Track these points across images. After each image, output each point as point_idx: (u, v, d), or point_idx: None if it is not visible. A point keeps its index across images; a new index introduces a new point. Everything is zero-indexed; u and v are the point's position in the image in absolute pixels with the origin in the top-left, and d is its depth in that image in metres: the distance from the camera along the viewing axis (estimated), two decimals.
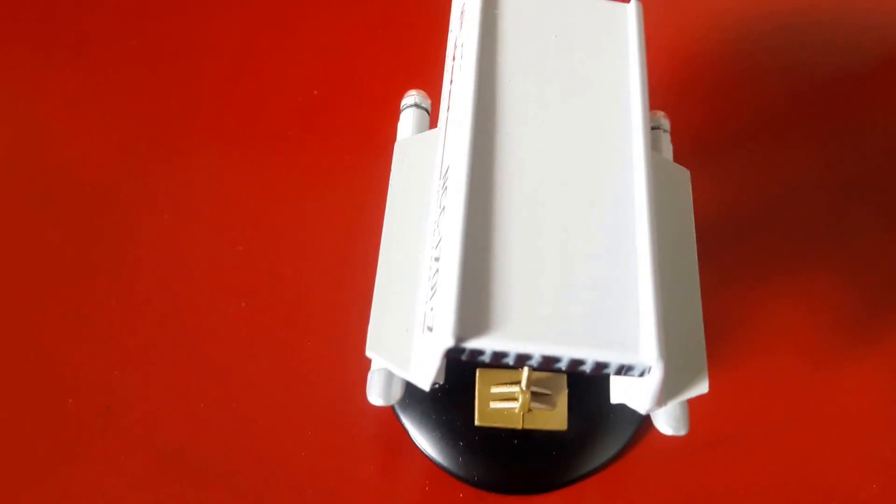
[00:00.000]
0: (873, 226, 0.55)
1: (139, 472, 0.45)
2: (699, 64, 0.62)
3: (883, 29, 0.65)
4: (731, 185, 0.56)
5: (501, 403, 0.44)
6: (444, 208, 0.32)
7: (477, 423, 0.44)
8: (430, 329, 0.29)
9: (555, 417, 0.44)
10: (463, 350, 0.28)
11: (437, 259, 0.31)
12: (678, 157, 0.41)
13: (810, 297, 0.52)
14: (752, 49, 0.63)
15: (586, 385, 0.44)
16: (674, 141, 0.42)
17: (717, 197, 0.55)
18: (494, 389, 0.44)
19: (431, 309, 0.30)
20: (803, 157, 0.58)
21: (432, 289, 0.30)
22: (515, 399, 0.43)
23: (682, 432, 0.34)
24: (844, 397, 0.49)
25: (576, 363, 0.29)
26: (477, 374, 0.45)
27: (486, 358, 0.29)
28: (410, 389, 0.34)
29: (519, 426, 0.44)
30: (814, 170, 0.57)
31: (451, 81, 0.37)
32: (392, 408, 0.46)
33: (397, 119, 0.42)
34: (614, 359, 0.28)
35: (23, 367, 0.47)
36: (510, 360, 0.29)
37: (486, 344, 0.28)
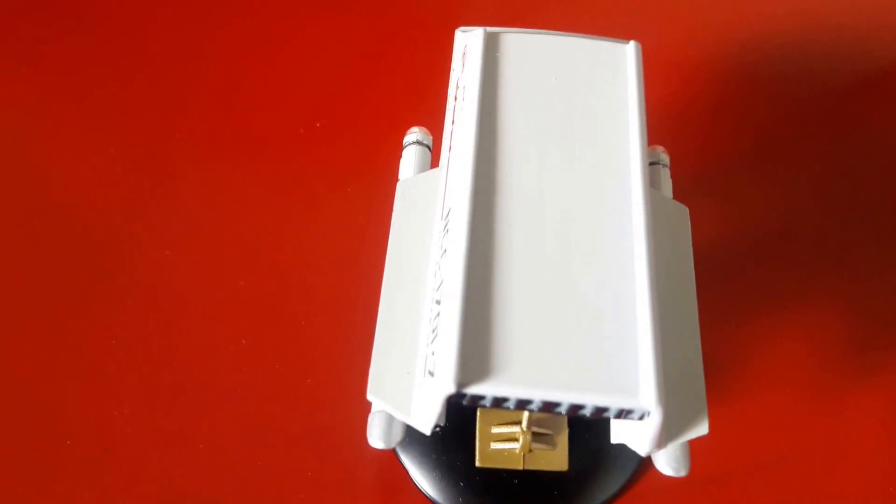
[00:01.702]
0: (875, 255, 0.55)
1: None
2: (697, 91, 0.62)
3: (882, 51, 0.65)
4: (729, 214, 0.56)
5: (502, 444, 0.44)
6: (445, 251, 0.32)
7: (478, 464, 0.44)
8: (431, 374, 0.29)
9: (556, 458, 0.44)
10: (464, 395, 0.28)
11: (438, 302, 0.31)
12: (677, 187, 0.41)
13: (811, 328, 0.52)
14: (751, 75, 0.63)
15: (587, 423, 0.44)
16: (673, 170, 0.42)
17: (716, 227, 0.55)
18: (495, 429, 0.44)
19: (433, 353, 0.30)
20: (804, 185, 0.58)
21: (433, 332, 0.30)
22: (516, 439, 0.43)
23: (682, 473, 0.34)
24: (847, 431, 0.49)
25: (575, 408, 0.29)
26: (478, 414, 0.45)
27: (486, 403, 0.29)
28: (411, 429, 0.34)
29: (520, 467, 0.44)
30: (815, 198, 0.57)
31: (453, 122, 0.37)
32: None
33: (400, 152, 0.42)
34: (614, 403, 0.28)
35: (21, 408, 0.47)
36: (510, 405, 0.29)
37: (486, 390, 0.28)
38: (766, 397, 0.50)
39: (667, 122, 0.59)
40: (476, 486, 0.45)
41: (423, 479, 0.45)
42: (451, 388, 0.28)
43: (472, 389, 0.28)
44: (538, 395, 0.28)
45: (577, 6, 0.66)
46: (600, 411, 0.29)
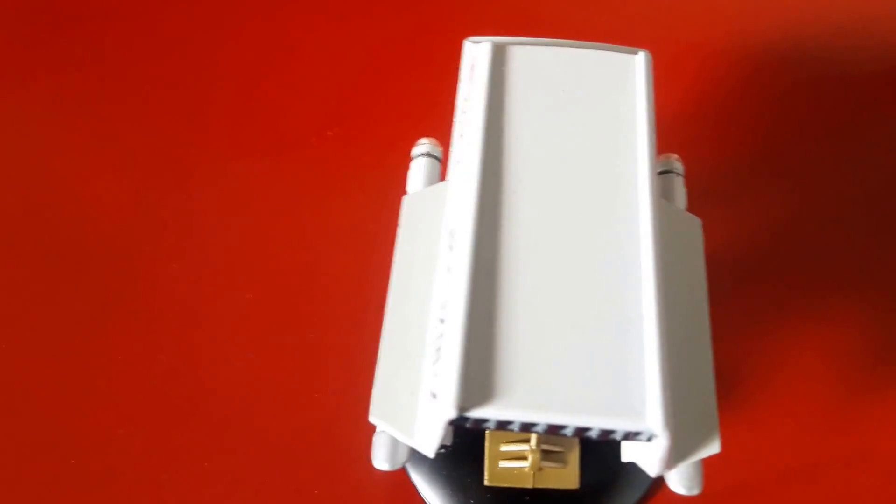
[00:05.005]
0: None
1: None
2: (711, 95, 0.61)
3: None
4: (746, 221, 0.55)
5: (511, 462, 0.43)
6: (449, 269, 0.31)
7: (486, 482, 0.43)
8: (434, 396, 0.29)
9: (566, 476, 0.43)
10: (466, 419, 0.28)
11: (441, 321, 0.30)
12: (692, 195, 0.40)
13: (829, 340, 0.51)
14: (768, 75, 0.62)
15: (598, 441, 0.44)
16: (688, 178, 0.41)
17: (733, 234, 0.54)
18: (504, 448, 0.43)
19: (435, 374, 0.29)
20: (824, 192, 0.57)
21: (437, 352, 0.30)
22: (525, 458, 0.42)
23: (695, 492, 0.34)
24: (866, 444, 0.48)
25: (581, 430, 0.28)
26: (486, 432, 0.44)
27: (490, 426, 0.28)
28: None
29: (530, 485, 0.43)
30: (836, 206, 0.56)
31: (461, 135, 0.36)
32: None
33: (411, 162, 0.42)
34: (620, 426, 0.28)
35: (24, 425, 0.47)
36: (515, 428, 0.28)
37: (489, 413, 0.27)
38: (783, 410, 0.49)
39: (680, 129, 0.58)
40: (486, 503, 0.44)
41: (432, 495, 0.45)
42: (452, 413, 0.27)
43: (475, 413, 0.27)
44: (542, 419, 0.28)
45: (589, 8, 0.65)
46: (607, 433, 0.28)
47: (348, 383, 0.48)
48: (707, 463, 0.34)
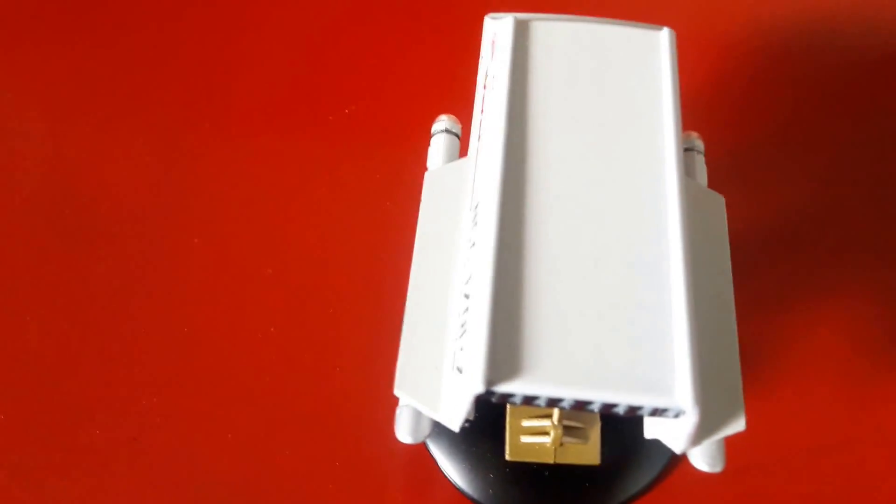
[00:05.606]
0: None
1: None
2: (729, 73, 0.61)
3: None
4: (763, 200, 0.55)
5: (533, 438, 0.43)
6: (474, 243, 0.31)
7: (508, 457, 0.43)
8: (460, 370, 0.29)
9: (587, 452, 0.43)
10: (493, 394, 0.28)
11: (466, 296, 0.30)
12: (712, 175, 0.40)
13: (848, 316, 0.51)
14: (786, 55, 0.62)
15: (620, 417, 0.44)
16: (708, 157, 0.41)
17: (754, 214, 0.54)
18: (526, 423, 0.43)
19: (461, 349, 0.29)
20: (841, 169, 0.56)
21: (462, 326, 0.30)
22: (547, 433, 0.42)
23: (717, 469, 0.34)
24: (886, 420, 0.48)
25: (608, 406, 0.28)
26: (508, 407, 0.44)
27: (516, 400, 0.28)
28: None
29: (551, 461, 0.43)
30: (852, 183, 0.56)
31: (482, 111, 0.36)
32: None
33: (429, 140, 0.41)
34: (648, 402, 0.28)
35: (50, 398, 0.47)
36: (541, 403, 0.28)
37: (516, 388, 0.27)
38: (805, 384, 0.49)
39: (698, 106, 0.58)
40: (506, 478, 0.44)
41: (452, 469, 0.45)
42: (480, 387, 0.27)
43: (502, 388, 0.27)
44: (569, 394, 0.28)
45: None
46: (634, 410, 0.28)
47: (368, 358, 0.48)
48: (726, 440, 0.34)
